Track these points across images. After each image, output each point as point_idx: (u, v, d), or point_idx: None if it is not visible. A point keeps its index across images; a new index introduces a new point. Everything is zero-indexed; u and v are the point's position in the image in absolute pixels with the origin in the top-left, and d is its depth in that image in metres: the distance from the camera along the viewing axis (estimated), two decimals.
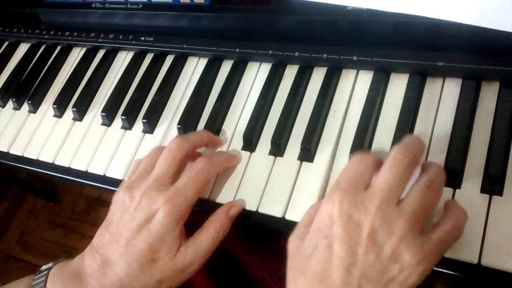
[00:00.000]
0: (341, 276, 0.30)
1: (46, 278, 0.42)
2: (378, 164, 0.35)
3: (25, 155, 0.54)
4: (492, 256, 0.33)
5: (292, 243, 0.34)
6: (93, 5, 0.57)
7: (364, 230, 0.31)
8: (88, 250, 0.41)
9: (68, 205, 1.46)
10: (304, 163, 0.42)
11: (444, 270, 0.35)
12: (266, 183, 0.42)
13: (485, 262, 0.33)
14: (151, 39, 0.54)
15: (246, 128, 0.45)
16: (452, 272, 0.35)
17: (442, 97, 0.40)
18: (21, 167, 0.55)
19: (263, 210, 0.41)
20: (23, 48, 0.64)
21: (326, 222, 0.32)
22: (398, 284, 0.30)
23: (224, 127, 0.47)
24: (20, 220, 1.49)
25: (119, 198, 0.41)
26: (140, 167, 0.42)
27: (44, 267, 0.43)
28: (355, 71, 0.44)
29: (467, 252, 0.34)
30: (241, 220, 0.42)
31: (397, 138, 0.39)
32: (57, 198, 1.48)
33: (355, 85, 0.44)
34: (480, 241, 0.34)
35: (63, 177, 0.52)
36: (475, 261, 0.34)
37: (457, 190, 0.36)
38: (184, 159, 0.42)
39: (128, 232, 0.39)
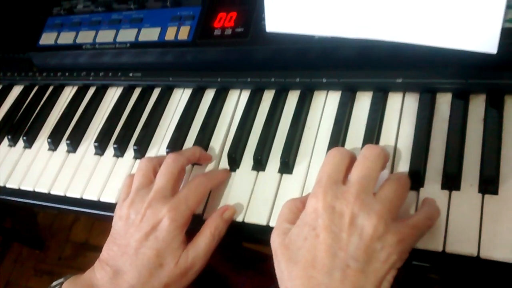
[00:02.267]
0: (330, 259, 0.34)
1: None
2: (351, 157, 0.39)
3: (22, 188, 0.57)
4: (455, 243, 0.37)
5: (276, 238, 0.38)
6: (83, 47, 0.62)
7: (346, 217, 0.35)
8: (98, 264, 0.44)
9: (55, 252, 1.46)
10: (284, 175, 0.46)
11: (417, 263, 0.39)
12: (250, 196, 0.46)
13: (449, 249, 0.37)
14: (139, 74, 0.59)
15: (230, 147, 0.49)
16: (421, 263, 0.39)
17: (403, 109, 0.45)
18: (17, 200, 0.58)
19: (249, 220, 0.45)
20: (16, 90, 0.68)
21: (312, 216, 0.36)
22: (381, 262, 0.34)
23: (210, 146, 0.51)
24: (5, 269, 1.48)
25: (124, 214, 0.44)
26: (136, 183, 0.46)
27: (54, 283, 0.46)
28: (325, 91, 0.49)
29: (433, 242, 0.38)
30: (229, 235, 0.45)
31: None
32: (44, 245, 1.48)
33: (325, 104, 0.49)
34: (444, 231, 0.38)
35: (58, 207, 0.55)
36: (440, 249, 0.38)
37: (421, 189, 0.41)
38: (180, 172, 0.46)
39: (136, 242, 0.43)
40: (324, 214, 0.36)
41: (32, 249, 1.48)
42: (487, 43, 0.40)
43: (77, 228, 1.47)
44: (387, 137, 0.44)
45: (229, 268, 0.62)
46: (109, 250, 0.44)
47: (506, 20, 0.42)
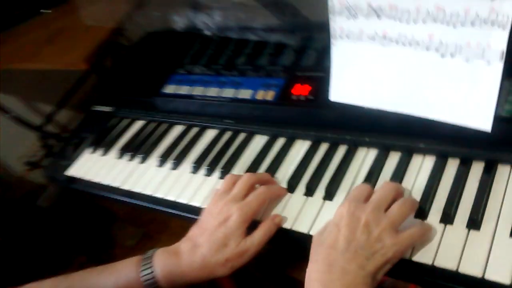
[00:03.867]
0: (346, 245, 0.50)
1: (152, 255, 0.62)
2: (370, 191, 0.55)
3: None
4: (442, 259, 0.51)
5: (315, 236, 0.54)
6: (195, 98, 0.83)
7: (362, 221, 0.51)
8: (184, 239, 0.63)
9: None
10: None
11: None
12: (299, 211, 0.62)
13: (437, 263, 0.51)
14: (232, 121, 0.79)
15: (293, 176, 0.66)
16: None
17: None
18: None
19: (296, 228, 0.61)
20: (139, 124, 0.91)
21: (338, 218, 0.52)
22: (380, 255, 0.49)
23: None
24: None
25: (210, 208, 0.63)
26: (221, 189, 0.65)
27: (148, 252, 0.63)
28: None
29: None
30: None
31: None
32: None
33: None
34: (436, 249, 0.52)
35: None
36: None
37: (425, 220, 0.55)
38: (251, 186, 0.64)
39: (212, 227, 0.60)
40: (347, 217, 0.52)
41: None
42: (483, 122, 0.55)
43: None
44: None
45: None
46: (193, 231, 0.62)
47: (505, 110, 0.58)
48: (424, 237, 0.53)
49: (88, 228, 1.70)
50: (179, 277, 0.61)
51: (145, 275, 0.61)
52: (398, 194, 0.55)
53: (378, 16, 0.62)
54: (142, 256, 0.64)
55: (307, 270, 0.52)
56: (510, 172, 0.56)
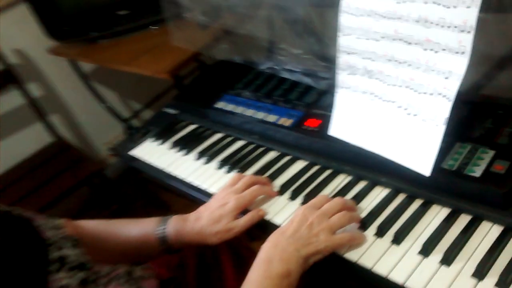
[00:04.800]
0: (291, 234, 0.70)
1: (169, 218, 0.85)
2: (326, 201, 0.74)
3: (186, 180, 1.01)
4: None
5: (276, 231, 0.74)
6: (236, 115, 1.06)
7: (308, 221, 0.71)
8: (194, 212, 0.84)
9: None
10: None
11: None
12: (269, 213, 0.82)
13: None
14: (257, 137, 1.01)
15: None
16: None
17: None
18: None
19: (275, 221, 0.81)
20: (191, 127, 1.16)
21: (294, 216, 0.73)
22: (313, 246, 0.68)
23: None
24: None
25: (217, 195, 0.85)
26: (227, 184, 0.86)
27: (168, 216, 0.86)
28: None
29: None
30: None
31: None
32: None
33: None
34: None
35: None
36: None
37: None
38: (251, 185, 0.84)
39: (213, 207, 0.82)
40: (299, 216, 0.72)
41: None
42: (425, 167, 0.72)
43: None
44: None
45: None
46: (201, 207, 0.84)
47: (448, 163, 0.74)
48: (355, 242, 0.70)
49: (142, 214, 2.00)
50: (181, 237, 0.83)
51: (159, 230, 0.84)
52: (344, 208, 0.74)
53: (370, 76, 0.81)
54: (162, 217, 0.87)
55: (262, 245, 0.71)
56: (439, 210, 0.72)
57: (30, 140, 2.02)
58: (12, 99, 1.95)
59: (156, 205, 2.03)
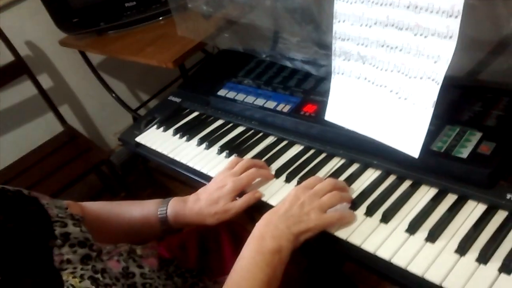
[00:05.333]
0: (283, 212, 0.72)
1: (169, 200, 0.88)
2: (318, 182, 0.77)
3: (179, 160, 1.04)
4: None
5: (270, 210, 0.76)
6: (237, 102, 1.09)
7: (300, 200, 0.73)
8: (194, 194, 0.88)
9: None
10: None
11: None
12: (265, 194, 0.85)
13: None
14: (257, 123, 1.03)
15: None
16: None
17: None
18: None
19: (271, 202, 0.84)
20: (195, 113, 1.19)
21: (287, 195, 0.75)
22: (304, 223, 0.71)
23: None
24: None
25: (216, 177, 0.88)
26: (226, 167, 0.89)
27: (168, 198, 0.90)
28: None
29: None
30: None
31: None
32: None
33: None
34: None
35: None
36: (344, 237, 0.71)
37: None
38: (248, 168, 0.87)
39: (212, 189, 0.85)
40: (292, 196, 0.74)
41: None
42: (413, 149, 0.74)
43: None
44: None
45: None
46: (201, 189, 0.88)
47: (436, 145, 0.76)
48: (345, 221, 0.73)
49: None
50: (181, 218, 0.86)
51: (160, 211, 0.87)
52: (336, 188, 0.76)
53: (363, 62, 0.84)
54: (163, 199, 0.90)
55: (256, 223, 0.74)
56: (427, 190, 0.75)
57: (41, 129, 2.08)
58: (24, 90, 2.00)
59: (163, 194, 2.07)
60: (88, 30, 1.80)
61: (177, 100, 1.26)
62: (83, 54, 1.97)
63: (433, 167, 0.75)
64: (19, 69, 1.91)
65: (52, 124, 2.07)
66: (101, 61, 2.16)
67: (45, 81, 2.07)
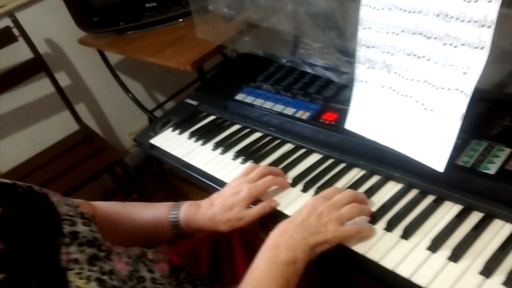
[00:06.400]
0: (300, 222, 0.70)
1: (182, 204, 0.86)
2: (337, 193, 0.74)
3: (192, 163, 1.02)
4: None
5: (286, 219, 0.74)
6: (255, 107, 1.07)
7: (318, 211, 0.71)
8: (207, 199, 0.85)
9: None
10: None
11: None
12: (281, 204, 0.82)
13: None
14: (274, 129, 1.01)
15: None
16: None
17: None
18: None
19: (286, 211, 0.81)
20: (211, 117, 1.17)
21: (305, 205, 0.73)
22: (321, 235, 0.68)
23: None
24: None
25: (231, 183, 0.86)
26: (242, 173, 0.87)
27: (181, 202, 0.88)
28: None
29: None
30: None
31: None
32: None
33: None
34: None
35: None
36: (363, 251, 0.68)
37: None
38: (264, 175, 0.85)
39: (227, 195, 0.83)
40: (310, 206, 0.72)
41: None
42: (439, 163, 0.71)
43: None
44: None
45: None
46: (214, 195, 0.85)
47: (462, 160, 0.73)
48: (363, 234, 0.70)
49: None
50: (193, 223, 0.84)
51: (172, 215, 0.85)
52: (355, 200, 0.73)
53: (388, 70, 0.81)
54: (175, 203, 0.88)
55: (270, 233, 0.72)
56: (451, 207, 0.72)
57: (57, 127, 2.07)
58: (41, 87, 2.00)
59: (176, 197, 2.05)
60: (108, 29, 1.79)
61: (194, 103, 1.25)
62: (101, 53, 1.97)
63: (458, 182, 0.72)
64: (37, 66, 1.91)
65: (68, 122, 2.07)
66: (119, 61, 2.16)
67: (63, 79, 2.07)
